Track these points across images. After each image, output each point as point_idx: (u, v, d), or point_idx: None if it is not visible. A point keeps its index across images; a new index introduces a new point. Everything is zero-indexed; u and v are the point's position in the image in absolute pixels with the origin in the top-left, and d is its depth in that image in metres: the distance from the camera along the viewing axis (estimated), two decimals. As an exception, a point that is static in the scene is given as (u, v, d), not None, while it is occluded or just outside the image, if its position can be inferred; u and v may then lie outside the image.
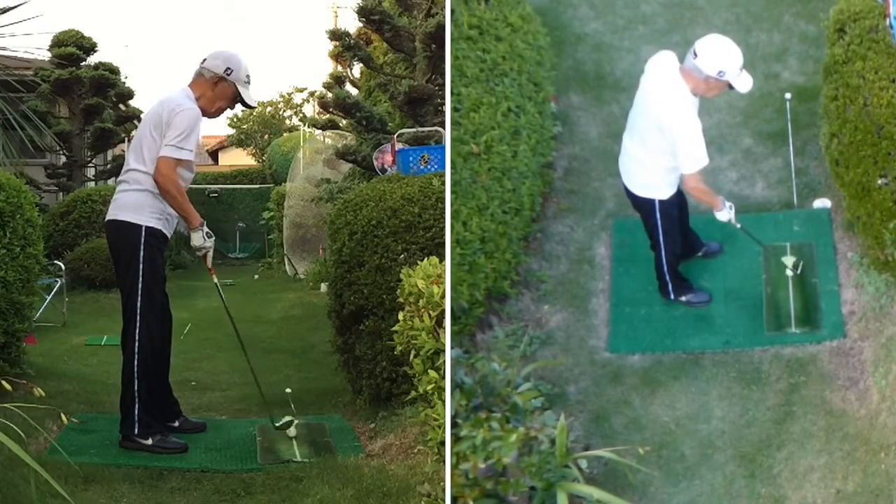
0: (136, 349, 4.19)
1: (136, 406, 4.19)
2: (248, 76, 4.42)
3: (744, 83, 3.89)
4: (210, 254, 4.39)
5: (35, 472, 2.22)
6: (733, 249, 4.50)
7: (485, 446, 2.72)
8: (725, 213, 4.17)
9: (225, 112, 4.53)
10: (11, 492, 3.39)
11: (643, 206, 4.22)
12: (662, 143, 3.97)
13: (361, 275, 4.84)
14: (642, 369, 4.17)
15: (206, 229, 4.36)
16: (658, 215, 4.17)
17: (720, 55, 3.83)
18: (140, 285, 4.17)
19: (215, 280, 4.58)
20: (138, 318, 4.18)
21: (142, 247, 4.16)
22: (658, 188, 4.12)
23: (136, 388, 4.19)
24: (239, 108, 4.61)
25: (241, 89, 4.38)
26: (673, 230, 4.25)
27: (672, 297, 4.35)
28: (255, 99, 4.54)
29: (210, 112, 4.37)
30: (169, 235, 4.34)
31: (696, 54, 3.84)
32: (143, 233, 4.17)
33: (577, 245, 4.70)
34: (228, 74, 4.34)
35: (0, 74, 6.97)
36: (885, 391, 3.80)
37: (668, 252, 4.26)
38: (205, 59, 4.38)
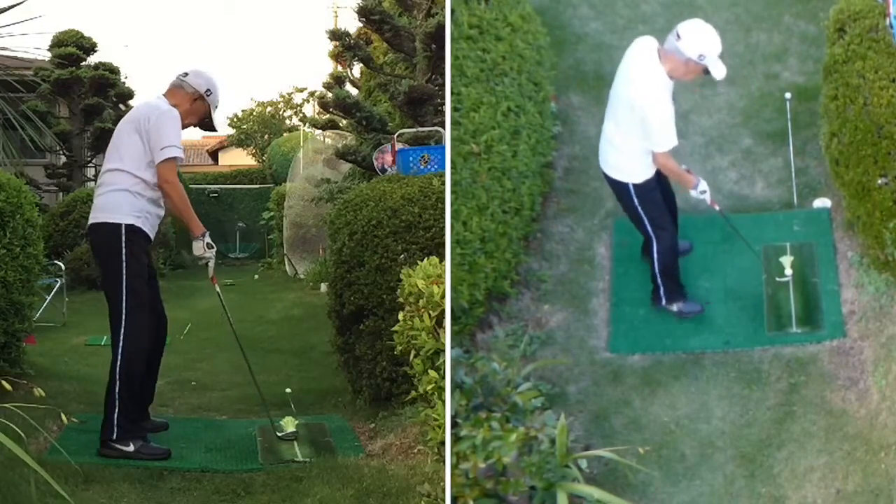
0: (121, 353, 4.12)
1: (116, 410, 4.12)
2: (218, 103, 4.55)
3: (719, 70, 3.92)
4: (212, 263, 4.39)
5: (35, 472, 2.22)
6: (733, 249, 4.50)
7: (485, 446, 2.72)
8: (697, 192, 4.14)
9: (190, 127, 4.60)
10: (11, 492, 3.39)
11: (617, 188, 4.20)
12: (634, 122, 3.98)
13: (361, 275, 4.84)
14: (642, 369, 4.17)
15: (208, 239, 4.35)
16: (635, 200, 4.13)
17: (703, 39, 3.88)
18: (124, 283, 4.12)
19: (217, 289, 4.57)
20: (124, 317, 4.13)
21: (123, 245, 4.13)
22: (631, 171, 4.10)
23: (117, 390, 4.12)
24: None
25: (213, 113, 4.53)
26: (662, 219, 4.19)
27: (664, 302, 4.30)
28: (219, 126, 4.77)
29: (182, 123, 4.37)
30: (151, 235, 4.29)
31: (679, 36, 3.87)
32: (124, 231, 4.13)
33: (577, 245, 4.70)
34: (208, 95, 4.46)
35: (0, 74, 6.97)
36: (885, 391, 3.80)
37: (660, 245, 4.20)
38: (186, 74, 4.46)
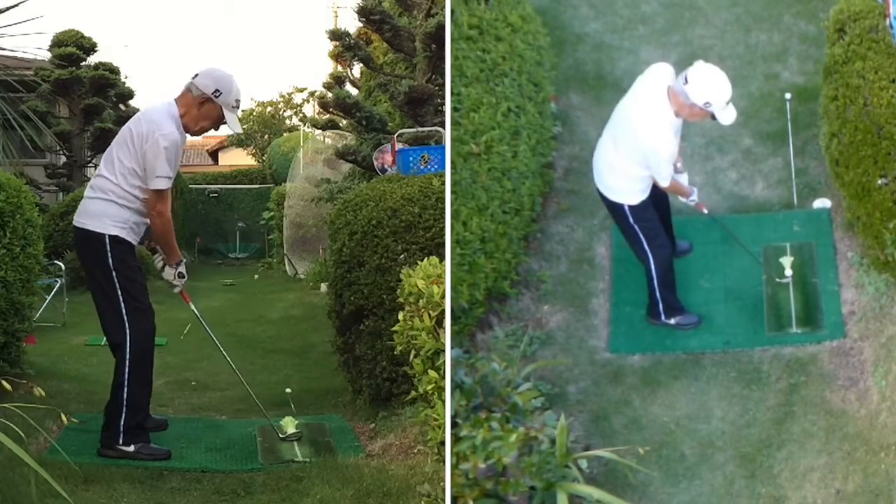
0: (129, 357, 4.12)
1: (124, 416, 4.12)
2: (237, 101, 4.28)
3: (727, 116, 3.90)
4: (178, 289, 4.42)
5: (35, 472, 2.22)
6: (733, 250, 4.50)
7: (485, 446, 2.72)
8: (688, 200, 4.25)
9: (208, 131, 4.42)
10: (11, 492, 3.39)
11: (613, 208, 4.22)
12: (636, 153, 3.98)
13: (361, 275, 4.84)
14: (642, 369, 4.17)
15: (181, 268, 4.37)
16: (631, 220, 4.15)
17: (710, 87, 3.83)
18: (118, 289, 4.12)
19: (192, 307, 4.61)
20: (127, 323, 4.12)
21: (108, 254, 4.11)
22: (627, 194, 4.12)
23: (124, 394, 4.12)
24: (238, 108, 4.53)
25: (226, 113, 4.24)
26: (658, 235, 4.21)
27: (662, 318, 4.29)
28: (240, 126, 4.46)
29: (192, 130, 4.28)
30: (135, 243, 4.26)
31: (686, 80, 3.83)
32: (108, 241, 4.12)
33: (577, 245, 4.70)
34: (217, 96, 4.19)
35: (0, 74, 6.96)
36: (885, 391, 3.80)
37: (657, 260, 4.20)
38: (196, 75, 4.25)
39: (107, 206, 4.15)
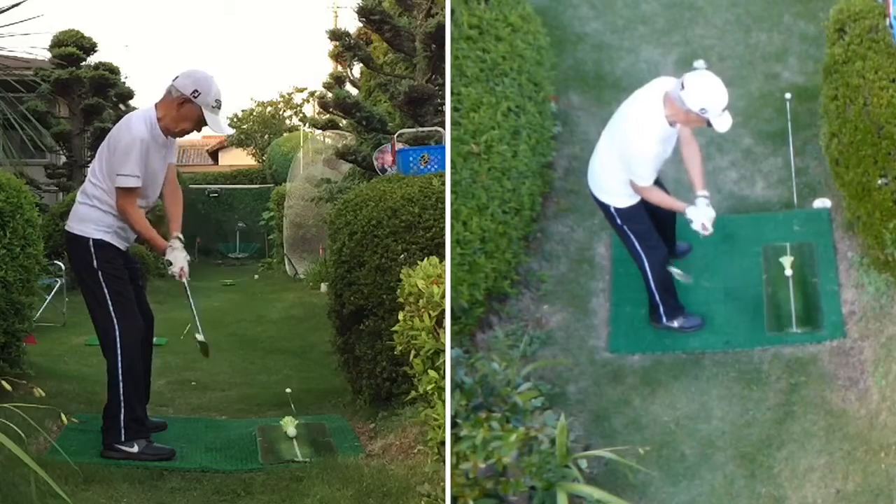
0: (119, 353, 4.13)
1: (123, 413, 4.13)
2: (217, 101, 4.22)
3: (723, 123, 3.84)
4: (173, 269, 4.33)
5: (35, 473, 2.22)
6: (733, 249, 4.50)
7: (485, 446, 2.73)
8: (691, 213, 4.02)
9: (190, 133, 4.38)
10: (11, 492, 3.39)
11: (602, 209, 4.23)
12: (623, 156, 3.99)
13: (361, 275, 4.84)
14: (642, 369, 4.17)
15: (170, 255, 4.28)
16: (619, 221, 4.15)
17: (706, 94, 3.79)
18: (105, 290, 4.14)
19: (187, 285, 4.52)
20: (115, 320, 4.14)
21: (93, 256, 4.15)
22: (615, 195, 4.11)
23: (121, 393, 4.13)
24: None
25: (206, 113, 4.19)
26: (649, 235, 4.19)
27: (664, 320, 4.28)
28: (224, 127, 4.38)
29: (173, 132, 4.27)
30: (122, 247, 4.27)
31: (683, 86, 3.81)
32: (92, 244, 4.15)
33: (577, 245, 4.70)
34: (195, 97, 4.14)
35: (0, 74, 6.96)
36: (885, 391, 3.80)
37: (650, 261, 4.19)
38: (176, 77, 4.23)
39: (91, 211, 4.19)
